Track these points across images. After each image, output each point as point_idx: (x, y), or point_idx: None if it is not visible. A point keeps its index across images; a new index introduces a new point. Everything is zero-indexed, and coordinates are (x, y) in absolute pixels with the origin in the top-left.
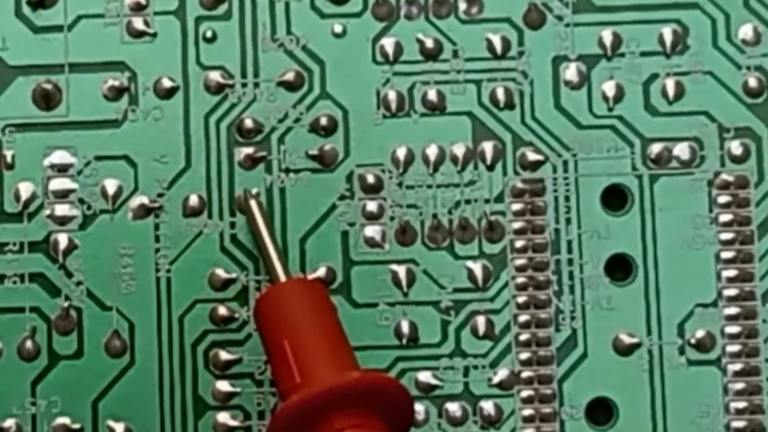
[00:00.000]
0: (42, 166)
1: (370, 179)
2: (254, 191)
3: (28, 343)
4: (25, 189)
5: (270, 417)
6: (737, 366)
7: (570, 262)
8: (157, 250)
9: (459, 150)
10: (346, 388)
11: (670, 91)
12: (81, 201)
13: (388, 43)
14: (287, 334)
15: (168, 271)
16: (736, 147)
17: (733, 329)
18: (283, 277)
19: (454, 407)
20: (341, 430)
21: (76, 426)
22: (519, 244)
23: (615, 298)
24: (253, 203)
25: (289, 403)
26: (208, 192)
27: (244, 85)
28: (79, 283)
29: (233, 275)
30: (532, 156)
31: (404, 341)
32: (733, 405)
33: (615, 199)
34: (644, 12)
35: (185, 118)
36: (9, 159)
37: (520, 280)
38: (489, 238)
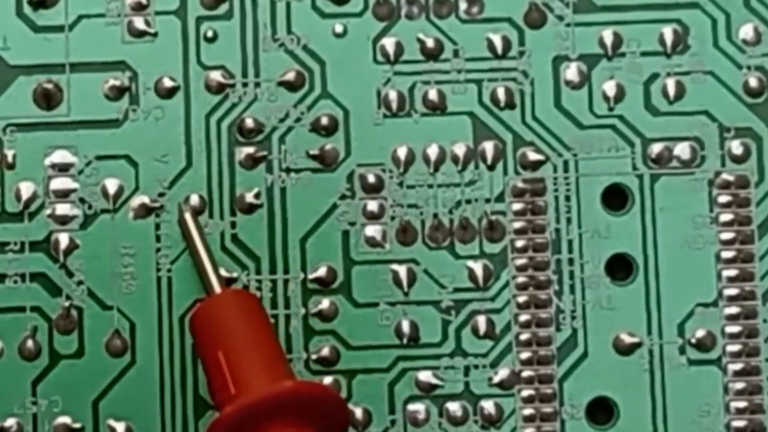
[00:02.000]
0: (43, 166)
1: (371, 179)
2: (185, 201)
3: (29, 343)
4: (26, 188)
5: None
6: (738, 365)
7: (570, 261)
8: (158, 250)
9: (460, 150)
10: (279, 398)
11: (671, 90)
12: (82, 200)
13: (388, 43)
14: (222, 346)
15: (169, 270)
16: (736, 147)
17: (733, 329)
18: (218, 289)
19: (454, 407)
20: None
21: (77, 425)
22: (519, 243)
23: (615, 298)
24: (187, 216)
25: (224, 414)
26: (208, 192)
27: (245, 84)
28: (79, 283)
29: (234, 274)
30: (533, 156)
31: (405, 341)
32: (734, 404)
33: (615, 198)
34: (645, 12)
35: (186, 117)
36: (10, 158)
37: (521, 279)
38: (489, 238)
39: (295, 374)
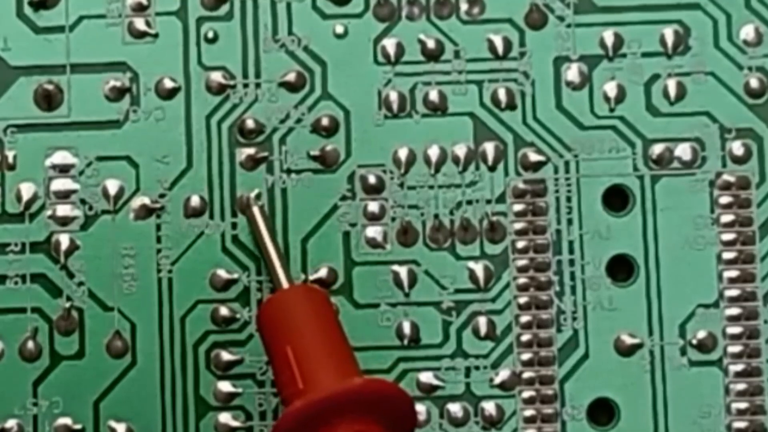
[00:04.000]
0: (43, 167)
1: (372, 180)
2: (255, 193)
3: (30, 344)
4: (27, 189)
5: (273, 421)
6: (739, 367)
7: (571, 262)
8: (159, 251)
9: (460, 150)
10: (348, 395)
11: (672, 91)
12: (82, 201)
13: (389, 44)
14: (290, 341)
15: (169, 271)
16: (737, 147)
17: (734, 330)
18: (285, 284)
19: (455, 408)
20: None
21: (78, 426)
22: (520, 244)
23: (616, 299)
24: (255, 209)
25: (292, 409)
26: (209, 192)
27: (245, 85)
28: (80, 284)
29: (235, 276)
30: (534, 156)
31: (406, 342)
32: (735, 406)
33: (616, 199)
34: (646, 12)
35: (187, 118)
36: (11, 159)
37: (522, 280)
38: (490, 239)
39: (362, 371)
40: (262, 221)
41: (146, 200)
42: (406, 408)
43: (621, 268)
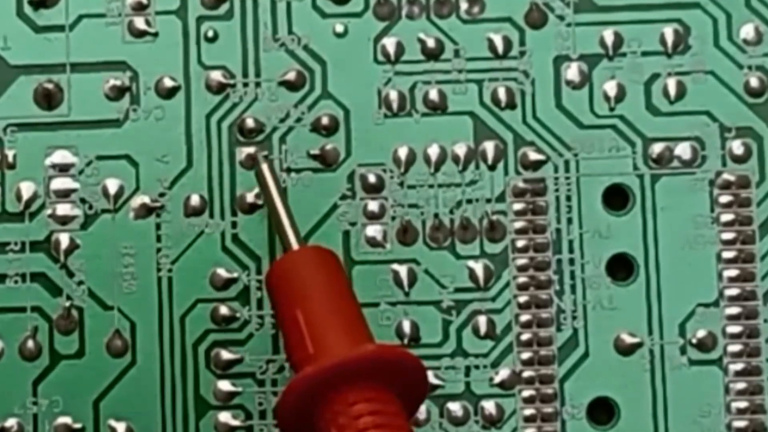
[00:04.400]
0: (43, 166)
1: (372, 179)
2: (265, 153)
3: (30, 343)
4: (27, 189)
5: (273, 420)
6: (738, 366)
7: (571, 261)
8: (159, 250)
9: (460, 150)
10: (360, 362)
11: (672, 90)
12: (82, 200)
13: (389, 43)
14: (300, 304)
15: (169, 270)
16: (737, 147)
17: (734, 329)
18: (295, 245)
19: (455, 407)
20: (354, 403)
21: (78, 425)
22: (520, 243)
23: (616, 298)
24: (264, 167)
25: (303, 374)
26: (209, 192)
27: (245, 84)
28: (80, 283)
29: (234, 275)
30: (534, 156)
31: (406, 341)
32: (735, 405)
33: (616, 198)
34: (645, 12)
35: (186, 117)
36: (10, 158)
37: (522, 279)
38: (490, 238)
39: (373, 336)
40: (271, 179)
41: (146, 199)
42: (418, 375)
43: (621, 267)
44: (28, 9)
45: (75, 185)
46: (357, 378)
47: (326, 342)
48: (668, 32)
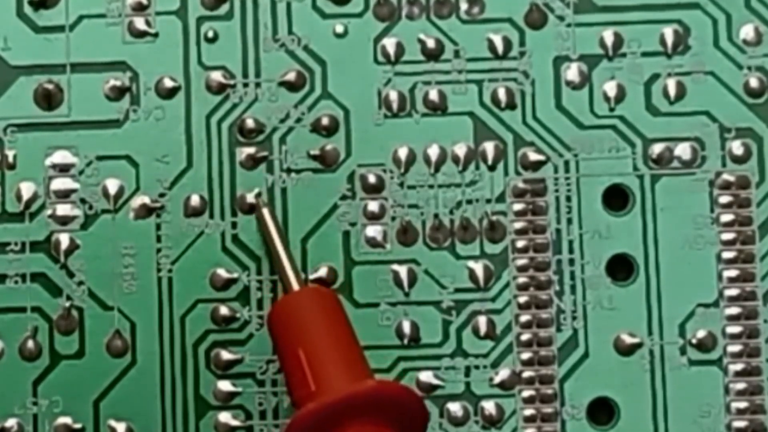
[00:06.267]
0: (44, 166)
1: (372, 179)
2: (258, 192)
3: (30, 343)
4: (27, 189)
5: (273, 420)
6: (738, 366)
7: (571, 262)
8: (159, 250)
9: (460, 150)
10: (361, 397)
11: (672, 91)
12: (82, 201)
13: (389, 43)
14: (302, 343)
15: (169, 270)
16: (737, 147)
17: (734, 329)
18: (296, 286)
19: (455, 407)
20: None
21: (78, 426)
22: (520, 244)
23: (616, 298)
24: (265, 210)
25: (305, 410)
26: (209, 192)
27: (245, 85)
28: (80, 283)
29: (235, 275)
30: (534, 156)
31: (406, 341)
32: (735, 405)
33: (616, 199)
34: (645, 12)
35: (187, 118)
36: (11, 159)
37: (522, 280)
38: (490, 238)
39: (373, 374)
40: (271, 222)
41: (146, 200)
42: (418, 410)
43: (621, 268)
44: (28, 9)
45: (75, 185)
46: (358, 413)
47: (328, 379)
48: (668, 33)
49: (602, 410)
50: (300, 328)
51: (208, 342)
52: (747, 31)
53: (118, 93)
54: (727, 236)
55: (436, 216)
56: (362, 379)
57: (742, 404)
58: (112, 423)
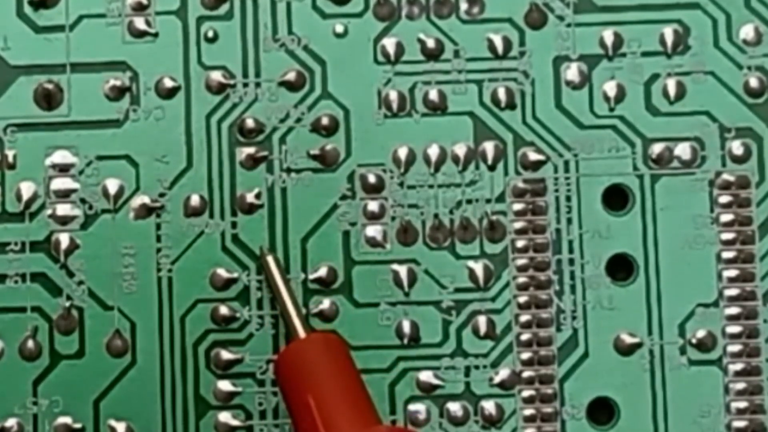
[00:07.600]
0: (43, 166)
1: (372, 179)
2: (264, 247)
3: (30, 343)
4: (27, 189)
5: (273, 420)
6: (738, 366)
7: (571, 261)
8: (159, 250)
9: (460, 150)
10: None
11: (672, 91)
12: (82, 201)
13: (389, 43)
14: (311, 390)
15: (169, 270)
16: (737, 147)
17: (734, 329)
18: (302, 333)
19: (455, 407)
20: None
21: (78, 425)
22: (520, 243)
23: (616, 298)
24: (270, 259)
25: None
26: (209, 192)
27: (245, 84)
28: (80, 283)
29: (234, 275)
30: (534, 156)
31: (405, 341)
32: (734, 405)
33: (616, 199)
34: (645, 12)
35: (187, 118)
36: (11, 159)
37: (522, 279)
38: (490, 238)
39: (381, 420)
40: (277, 271)
41: (146, 199)
42: None
43: (620, 268)
44: (28, 9)
45: (75, 185)
46: None
47: (338, 425)
48: (668, 32)
49: (602, 410)
50: (309, 375)
51: (208, 342)
52: (747, 31)
53: (118, 93)
54: (727, 236)
55: (436, 216)
56: (372, 424)
57: (742, 404)
58: (112, 423)
